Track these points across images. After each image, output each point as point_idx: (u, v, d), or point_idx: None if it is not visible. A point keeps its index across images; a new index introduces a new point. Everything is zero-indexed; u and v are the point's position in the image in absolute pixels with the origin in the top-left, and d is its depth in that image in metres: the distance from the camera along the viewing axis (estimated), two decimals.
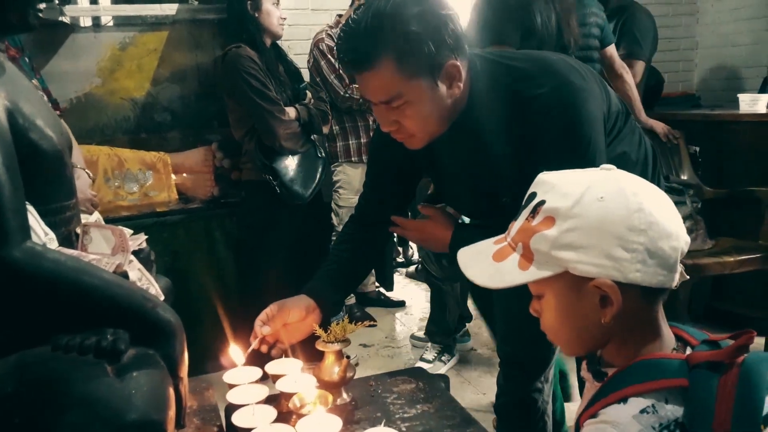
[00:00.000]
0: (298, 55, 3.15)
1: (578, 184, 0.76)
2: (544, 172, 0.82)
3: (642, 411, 0.72)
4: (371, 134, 2.68)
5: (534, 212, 0.77)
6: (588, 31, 2.39)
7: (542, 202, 0.77)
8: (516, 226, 0.81)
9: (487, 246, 0.85)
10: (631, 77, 2.77)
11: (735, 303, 2.95)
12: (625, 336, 0.79)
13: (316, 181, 2.60)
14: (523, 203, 0.82)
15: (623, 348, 0.79)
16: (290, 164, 2.53)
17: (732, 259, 2.66)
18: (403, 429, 1.18)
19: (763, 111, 2.96)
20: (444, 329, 2.86)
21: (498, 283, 0.80)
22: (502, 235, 0.85)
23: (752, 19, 3.89)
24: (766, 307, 2.77)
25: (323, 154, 2.71)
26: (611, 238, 0.72)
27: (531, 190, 0.82)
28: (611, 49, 2.60)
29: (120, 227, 1.03)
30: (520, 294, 1.57)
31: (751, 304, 2.79)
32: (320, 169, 2.64)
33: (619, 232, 0.72)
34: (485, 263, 0.82)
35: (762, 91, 3.24)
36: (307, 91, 2.67)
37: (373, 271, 3.55)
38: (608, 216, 0.73)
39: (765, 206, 2.75)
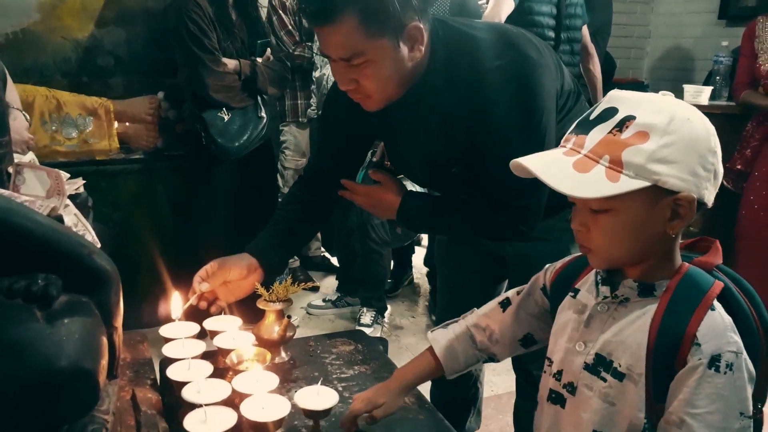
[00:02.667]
0: (264, 8, 3.05)
1: (666, 103, 0.80)
2: (616, 90, 0.84)
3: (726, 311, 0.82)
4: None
5: (621, 126, 0.79)
6: (573, 11, 2.43)
7: (632, 117, 0.79)
8: (593, 138, 0.81)
9: (558, 157, 0.83)
10: (597, 59, 2.83)
11: None
12: (669, 248, 0.85)
13: (246, 139, 2.52)
14: (596, 117, 0.82)
15: (667, 260, 0.86)
16: (222, 117, 2.46)
17: None
18: (340, 389, 1.19)
19: (705, 103, 3.08)
20: (379, 294, 2.93)
21: (586, 193, 0.79)
22: (568, 147, 0.83)
23: (703, 13, 4.01)
24: None
25: (264, 115, 2.61)
26: (696, 157, 0.78)
27: (607, 105, 0.82)
28: (585, 30, 2.65)
29: (56, 170, 0.98)
30: (461, 266, 1.61)
31: None
32: (255, 128, 2.56)
33: (702, 152, 0.79)
34: (566, 173, 0.80)
35: (707, 83, 3.35)
36: (268, 48, 2.60)
37: (318, 235, 3.55)
38: (696, 136, 0.79)
39: None
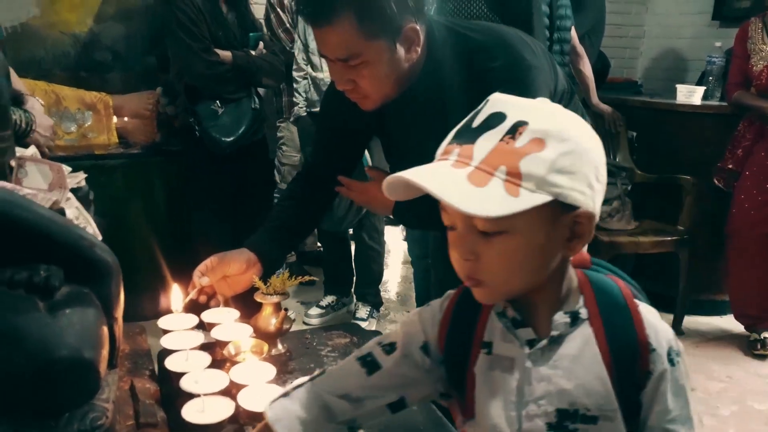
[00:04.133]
0: (257, 4, 3.07)
1: (555, 108, 0.72)
2: (497, 93, 0.75)
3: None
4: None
5: (514, 132, 0.69)
6: (564, 12, 2.46)
7: (524, 123, 0.69)
8: (482, 148, 0.69)
9: (447, 170, 0.70)
10: (587, 59, 2.85)
11: (654, 282, 3.11)
12: (566, 267, 0.77)
13: (242, 132, 2.49)
14: (481, 123, 0.72)
15: (567, 278, 0.77)
16: (216, 110, 2.45)
17: (647, 240, 2.84)
18: None
19: (698, 103, 3.10)
20: (375, 289, 2.96)
21: (493, 211, 0.66)
22: (453, 159, 0.71)
23: (697, 14, 4.03)
24: (677, 286, 2.95)
25: (257, 106, 2.59)
26: (592, 167, 0.70)
27: (491, 110, 0.72)
28: (573, 31, 2.67)
29: (58, 163, 1.00)
30: None
31: (668, 283, 2.94)
32: (250, 121, 2.53)
33: (596, 162, 0.71)
34: (464, 188, 0.68)
35: (700, 83, 3.38)
36: (261, 42, 2.61)
37: (315, 230, 3.56)
38: (589, 144, 0.71)
39: (686, 193, 2.92)
